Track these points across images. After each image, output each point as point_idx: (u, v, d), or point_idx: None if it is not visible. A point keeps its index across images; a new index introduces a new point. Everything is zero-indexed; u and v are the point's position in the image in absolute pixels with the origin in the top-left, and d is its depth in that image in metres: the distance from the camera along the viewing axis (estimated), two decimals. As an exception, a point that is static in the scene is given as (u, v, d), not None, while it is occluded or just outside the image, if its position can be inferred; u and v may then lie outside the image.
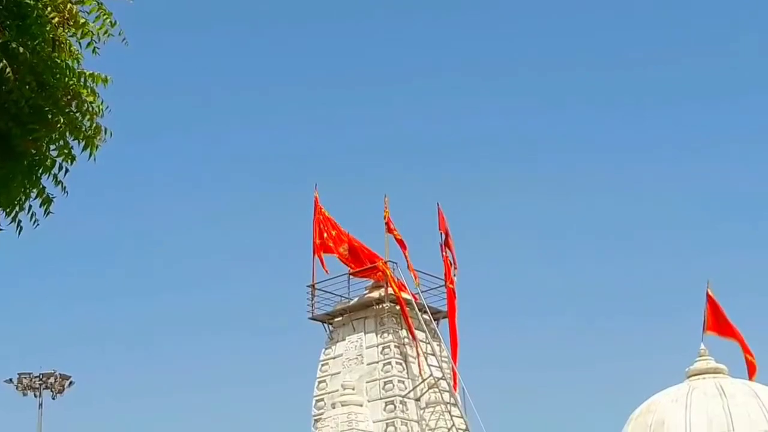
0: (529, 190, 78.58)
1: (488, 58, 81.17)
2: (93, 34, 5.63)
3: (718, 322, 27.57)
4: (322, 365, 32.12)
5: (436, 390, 31.17)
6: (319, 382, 31.92)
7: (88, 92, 5.65)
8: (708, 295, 27.83)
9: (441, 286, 32.62)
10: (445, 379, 31.31)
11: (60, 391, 38.78)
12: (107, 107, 5.76)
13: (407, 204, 60.00)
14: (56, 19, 5.41)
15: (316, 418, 31.37)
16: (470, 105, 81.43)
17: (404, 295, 31.54)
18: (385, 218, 32.65)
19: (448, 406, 31.14)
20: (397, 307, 31.34)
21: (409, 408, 30.77)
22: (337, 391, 31.07)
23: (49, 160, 5.66)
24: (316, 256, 32.66)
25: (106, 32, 5.67)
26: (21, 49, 5.24)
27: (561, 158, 79.87)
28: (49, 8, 5.37)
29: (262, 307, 77.63)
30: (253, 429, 72.65)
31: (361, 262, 32.41)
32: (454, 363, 31.80)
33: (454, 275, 32.48)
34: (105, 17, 5.66)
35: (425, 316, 31.92)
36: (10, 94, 5.27)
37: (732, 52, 77.90)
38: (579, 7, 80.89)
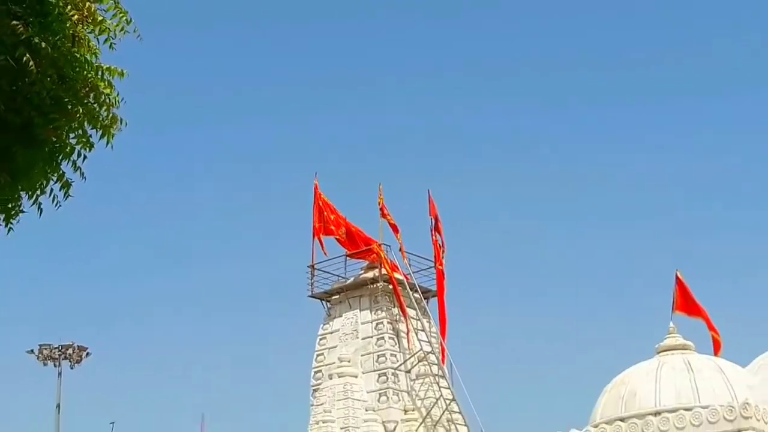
0: (513, 179, 78.57)
1: (477, 56, 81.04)
2: (110, 30, 5.62)
3: (686, 303, 27.70)
4: (320, 339, 32.16)
5: (426, 363, 31.21)
6: (318, 355, 31.97)
7: (105, 85, 5.64)
8: (677, 278, 27.97)
9: (431, 267, 32.67)
10: (433, 353, 31.35)
11: (78, 362, 38.76)
12: (122, 99, 5.76)
13: (400, 191, 59.83)
14: (76, 17, 5.40)
15: (314, 388, 31.43)
16: (460, 100, 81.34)
17: (396, 275, 31.60)
18: (379, 204, 32.68)
19: (437, 378, 31.19)
20: (390, 287, 31.38)
21: (400, 379, 30.83)
22: (334, 363, 31.11)
23: (68, 148, 5.66)
24: (315, 238, 32.68)
25: (122, 29, 5.66)
26: (43, 44, 5.23)
27: (544, 150, 79.83)
28: (69, 6, 5.35)
29: (265, 286, 77.71)
30: (257, 398, 72.73)
31: (356, 244, 32.45)
32: (443, 338, 31.86)
33: (443, 257, 32.54)
34: (121, 15, 5.65)
35: (416, 295, 31.97)
36: (33, 86, 5.26)
37: (706, 52, 77.93)
38: (567, 7, 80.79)
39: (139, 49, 5.84)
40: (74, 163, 5.72)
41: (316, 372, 31.71)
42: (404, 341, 31.27)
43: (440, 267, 32.38)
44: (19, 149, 5.40)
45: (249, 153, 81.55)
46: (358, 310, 31.84)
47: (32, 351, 38.78)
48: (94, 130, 5.69)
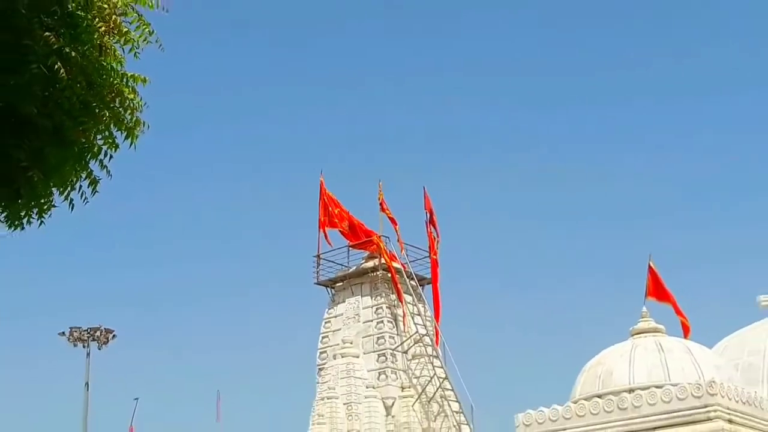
0: (502, 178, 78.67)
1: (473, 59, 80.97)
2: (134, 41, 5.60)
3: (657, 290, 27.73)
4: (325, 323, 32.17)
5: (421, 344, 31.22)
6: (323, 337, 31.97)
7: (129, 90, 5.63)
8: (650, 267, 27.99)
9: (426, 257, 32.68)
10: (428, 336, 31.35)
11: (105, 343, 38.75)
12: (145, 103, 5.74)
13: (398, 188, 59.74)
14: (103, 29, 5.39)
15: (320, 367, 31.44)
16: (455, 102, 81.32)
17: (395, 264, 31.60)
18: (379, 199, 32.71)
19: (431, 358, 31.19)
20: (389, 275, 31.38)
21: (397, 359, 30.84)
22: (338, 344, 31.12)
23: (96, 148, 5.64)
24: (321, 231, 32.70)
25: (145, 40, 5.64)
26: (73, 54, 5.22)
27: (531, 149, 79.88)
28: (97, 19, 5.34)
29: (275, 274, 77.85)
30: (268, 376, 72.78)
31: (358, 236, 32.46)
32: (436, 322, 31.87)
33: (437, 248, 32.56)
34: (144, 27, 5.63)
35: (412, 282, 31.98)
36: (64, 91, 5.25)
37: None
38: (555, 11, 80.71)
39: (161, 57, 5.83)
40: (101, 161, 5.71)
41: (321, 352, 31.72)
42: (401, 324, 31.28)
43: (434, 257, 32.42)
44: (51, 149, 5.39)
45: (260, 153, 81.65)
46: (359, 296, 31.85)
47: (63, 333, 38.77)
48: (119, 132, 5.68)
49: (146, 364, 73.98)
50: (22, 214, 5.55)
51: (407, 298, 31.54)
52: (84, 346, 38.37)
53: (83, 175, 5.67)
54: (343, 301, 32.08)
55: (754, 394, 20.52)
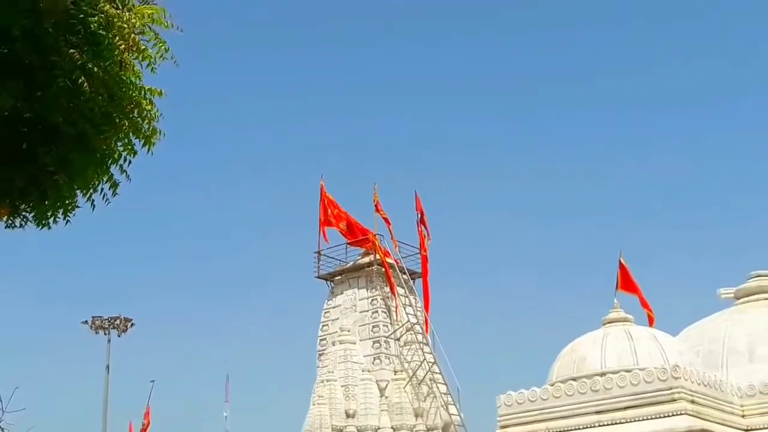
0: (487, 180, 78.66)
1: (464, 72, 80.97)
2: (151, 57, 5.61)
3: (626, 283, 27.76)
4: (325, 313, 32.17)
5: (412, 332, 31.24)
6: (323, 326, 31.97)
7: (146, 102, 5.64)
8: (620, 262, 28.01)
9: (417, 254, 32.69)
10: (418, 324, 31.37)
11: (124, 331, 38.72)
12: (161, 114, 5.75)
13: (392, 191, 59.83)
14: (123, 46, 5.40)
15: (320, 352, 31.44)
16: (444, 112, 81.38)
17: (388, 260, 31.62)
18: (374, 201, 32.71)
19: (421, 344, 31.21)
20: (383, 269, 31.40)
21: (391, 346, 30.85)
22: (336, 332, 31.12)
23: (116, 154, 5.65)
24: (321, 229, 32.71)
25: (161, 56, 5.65)
26: (95, 69, 5.23)
27: (510, 154, 79.94)
28: (117, 37, 5.35)
29: (279, 268, 77.82)
30: (272, 361, 72.76)
31: (355, 234, 32.47)
32: (426, 312, 31.88)
33: (428, 245, 32.58)
34: (160, 45, 5.64)
35: (404, 276, 31.99)
36: (87, 103, 5.26)
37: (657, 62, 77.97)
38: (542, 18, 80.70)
39: (176, 72, 5.85)
40: (121, 166, 5.72)
41: (321, 340, 31.72)
42: (394, 314, 31.29)
43: (424, 253, 32.44)
44: (75, 155, 5.39)
45: (266, 159, 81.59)
46: (356, 289, 31.86)
47: (86, 322, 38.74)
48: (138, 139, 5.69)
49: (161, 350, 73.93)
50: (49, 214, 5.56)
51: (399, 290, 31.57)
52: (105, 334, 38.35)
53: (104, 179, 5.68)
54: (342, 293, 32.09)
55: (714, 378, 20.58)
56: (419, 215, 32.54)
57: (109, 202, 5.75)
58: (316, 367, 31.13)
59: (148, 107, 5.61)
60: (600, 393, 19.93)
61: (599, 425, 19.67)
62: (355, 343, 30.74)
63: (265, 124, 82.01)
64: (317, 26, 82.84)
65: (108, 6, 5.27)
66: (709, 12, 76.44)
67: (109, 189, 5.72)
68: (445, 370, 31.01)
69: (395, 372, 30.48)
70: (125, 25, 5.34)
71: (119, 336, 38.66)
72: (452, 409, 30.49)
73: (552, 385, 21.27)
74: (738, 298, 25.53)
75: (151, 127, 5.67)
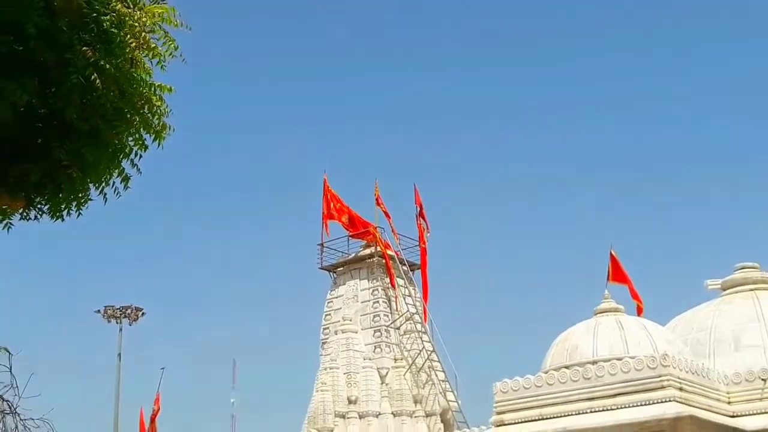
0: (484, 176, 78.65)
1: (460, 63, 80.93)
2: (161, 55, 5.58)
3: (617, 275, 27.78)
4: (328, 303, 32.18)
5: (411, 322, 31.25)
6: (326, 315, 31.99)
7: (157, 98, 5.61)
8: (611, 255, 28.03)
9: (416, 246, 32.69)
10: (417, 314, 31.38)
11: (135, 320, 38.69)
12: (170, 109, 5.73)
13: (392, 185, 59.81)
14: (134, 44, 5.37)
15: (323, 341, 31.46)
16: (442, 110, 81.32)
17: (389, 251, 31.62)
18: (375, 195, 32.72)
19: (420, 333, 31.22)
20: (384, 261, 31.40)
21: (391, 334, 30.86)
22: (339, 322, 31.13)
23: (127, 149, 5.63)
24: (324, 222, 32.71)
25: (170, 54, 5.62)
26: (107, 66, 5.21)
27: (508, 153, 79.92)
28: (128, 36, 5.32)
29: (285, 260, 77.87)
30: (278, 349, 72.78)
31: (357, 227, 32.48)
32: (425, 302, 31.89)
33: (427, 238, 32.59)
34: (170, 43, 5.61)
35: (404, 267, 32.00)
36: (99, 99, 5.24)
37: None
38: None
39: (184, 69, 5.81)
40: (132, 161, 5.69)
41: (324, 329, 31.74)
42: (394, 304, 31.31)
43: (423, 245, 32.44)
44: (88, 150, 5.37)
45: (272, 156, 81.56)
46: (358, 280, 31.87)
47: (99, 311, 38.72)
48: (148, 134, 5.66)
49: (171, 337, 73.93)
50: (63, 206, 5.54)
51: (399, 281, 31.57)
52: (117, 322, 38.32)
53: (116, 173, 5.66)
54: (344, 284, 32.10)
55: (701, 365, 20.56)
56: (418, 209, 32.54)
57: (120, 195, 5.73)
58: (319, 355, 31.15)
59: (158, 103, 5.58)
60: (592, 380, 19.90)
61: (591, 411, 19.65)
62: (356, 332, 30.75)
63: (270, 122, 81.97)
64: (318, 27, 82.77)
65: (120, 5, 5.25)
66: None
67: (121, 182, 5.70)
68: (443, 358, 31.04)
69: (395, 360, 30.49)
70: (136, 24, 5.31)
71: (130, 325, 38.65)
72: (450, 396, 30.51)
73: (546, 372, 21.25)
74: (724, 289, 25.50)
75: (161, 123, 5.65)
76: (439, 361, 30.88)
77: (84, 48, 5.10)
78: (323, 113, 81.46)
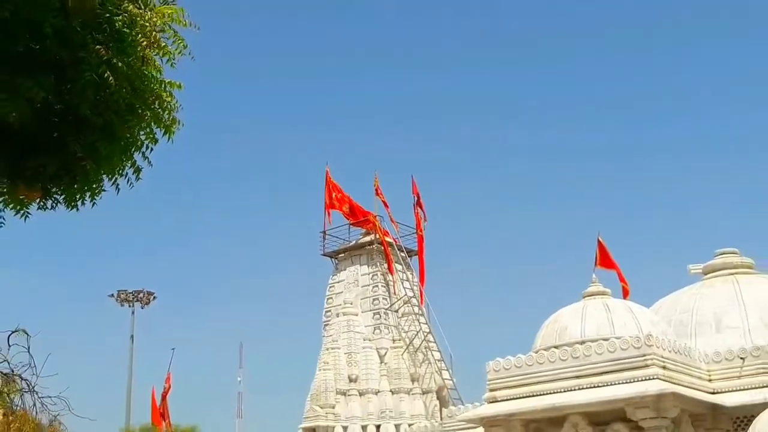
0: (478, 168, 78.63)
1: (457, 61, 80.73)
2: (171, 53, 5.59)
3: (605, 260, 27.80)
4: (330, 287, 32.23)
5: (409, 305, 31.31)
6: (328, 299, 32.04)
7: (167, 94, 5.62)
8: (599, 241, 28.06)
9: (413, 233, 32.72)
10: (414, 297, 31.44)
11: (147, 303, 38.79)
12: (180, 105, 5.74)
13: (391, 176, 59.91)
14: (144, 43, 5.38)
15: (325, 323, 31.53)
16: (439, 106, 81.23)
17: (387, 239, 31.67)
18: (375, 186, 32.74)
19: (417, 316, 31.29)
20: (382, 248, 31.44)
21: (389, 317, 30.93)
22: (340, 305, 31.19)
23: (139, 142, 5.64)
24: (326, 212, 32.74)
25: (180, 52, 5.63)
26: (120, 64, 5.22)
27: (500, 149, 79.86)
28: (139, 35, 5.33)
29: (289, 247, 78.01)
30: (282, 330, 72.95)
31: (357, 216, 32.51)
32: (422, 286, 31.96)
33: (423, 225, 32.62)
34: (179, 42, 5.62)
35: (402, 254, 32.05)
36: (112, 95, 5.25)
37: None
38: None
39: (193, 66, 5.82)
40: (143, 153, 5.71)
41: (326, 311, 31.80)
42: (393, 288, 31.36)
43: (420, 233, 32.48)
44: (101, 143, 5.39)
45: (277, 149, 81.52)
46: (358, 265, 31.91)
47: (112, 295, 38.80)
48: (159, 128, 5.67)
49: (181, 320, 74.09)
50: (78, 197, 5.55)
51: (397, 266, 31.62)
52: (129, 306, 38.42)
53: (128, 165, 5.67)
54: (345, 270, 32.15)
55: (683, 345, 20.62)
56: (416, 198, 32.57)
57: (132, 186, 5.75)
58: (321, 336, 31.23)
59: (168, 99, 5.59)
60: (579, 359, 19.96)
61: (578, 389, 19.71)
62: (357, 315, 30.81)
63: (275, 118, 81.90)
64: (320, 28, 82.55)
65: (131, 6, 5.26)
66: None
67: (133, 174, 5.72)
68: (439, 339, 31.13)
69: (393, 341, 30.57)
70: (147, 24, 5.32)
71: (143, 308, 38.78)
72: (445, 374, 30.61)
73: (536, 352, 21.30)
74: (706, 274, 25.54)
75: (171, 117, 5.66)
76: (435, 342, 30.96)
77: (97, 47, 5.11)
78: (327, 110, 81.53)
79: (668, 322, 23.50)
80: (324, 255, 32.83)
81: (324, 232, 32.76)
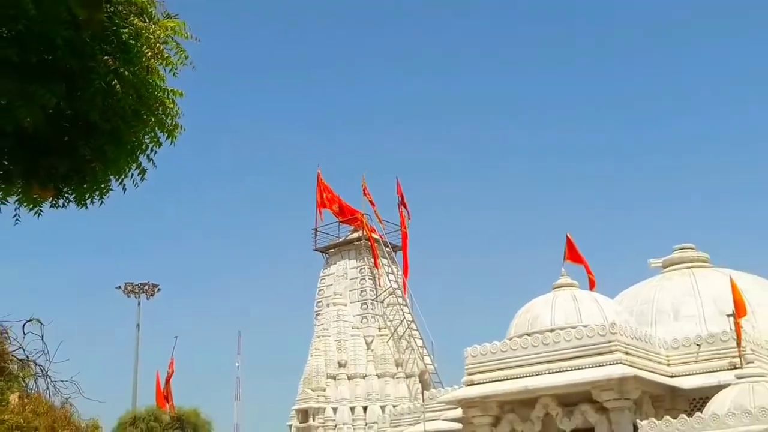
0: (458, 169, 78.74)
1: (444, 65, 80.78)
2: (173, 63, 5.58)
3: (573, 255, 27.87)
4: (321, 280, 32.24)
5: (394, 296, 31.36)
6: (319, 290, 32.04)
7: (170, 102, 5.61)
8: (568, 238, 28.13)
9: (398, 230, 32.78)
10: (399, 289, 31.49)
11: (152, 295, 38.59)
12: (182, 111, 5.74)
13: (377, 178, 59.88)
14: (149, 54, 5.37)
15: (316, 313, 31.53)
16: (424, 111, 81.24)
17: (374, 235, 31.70)
18: (362, 187, 32.76)
19: (401, 306, 31.34)
20: (369, 243, 31.47)
21: (376, 307, 30.97)
22: (330, 296, 31.20)
23: (144, 145, 5.63)
24: (317, 210, 32.75)
25: (182, 62, 5.62)
26: (126, 73, 5.21)
27: (479, 150, 79.95)
28: (144, 47, 5.32)
29: (283, 243, 77.88)
30: (277, 320, 72.88)
31: (346, 214, 32.54)
32: (405, 278, 32.01)
33: (407, 223, 32.70)
34: (181, 53, 5.62)
35: (387, 249, 32.09)
36: (119, 102, 5.25)
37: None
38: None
39: (194, 75, 5.82)
40: (148, 156, 5.70)
41: (318, 302, 31.81)
42: (379, 281, 31.40)
43: (404, 230, 32.55)
44: (109, 147, 5.38)
45: (272, 151, 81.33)
46: (347, 260, 31.93)
47: (119, 287, 38.59)
48: (162, 133, 5.67)
49: (184, 310, 73.84)
50: (87, 196, 5.54)
51: (383, 261, 31.66)
52: (136, 297, 38.20)
53: (134, 166, 5.66)
54: (335, 264, 32.16)
55: (644, 333, 20.75)
56: (400, 198, 32.63)
57: (138, 186, 5.74)
58: (313, 325, 31.23)
59: (171, 106, 5.58)
60: (550, 346, 20.06)
61: (548, 372, 19.81)
62: (346, 305, 30.84)
63: (270, 123, 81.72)
64: (314, 34, 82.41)
65: (137, 20, 5.25)
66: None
67: (138, 175, 5.71)
68: (422, 327, 31.21)
69: (379, 329, 30.62)
70: (151, 36, 5.31)
71: (148, 299, 38.54)
72: (427, 360, 30.68)
73: (510, 339, 21.39)
74: (665, 267, 25.72)
75: (173, 123, 5.65)
76: (417, 330, 31.03)
77: (105, 57, 5.11)
78: (318, 115, 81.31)
79: (630, 312, 23.64)
80: (315, 250, 32.85)
81: (315, 229, 32.79)
